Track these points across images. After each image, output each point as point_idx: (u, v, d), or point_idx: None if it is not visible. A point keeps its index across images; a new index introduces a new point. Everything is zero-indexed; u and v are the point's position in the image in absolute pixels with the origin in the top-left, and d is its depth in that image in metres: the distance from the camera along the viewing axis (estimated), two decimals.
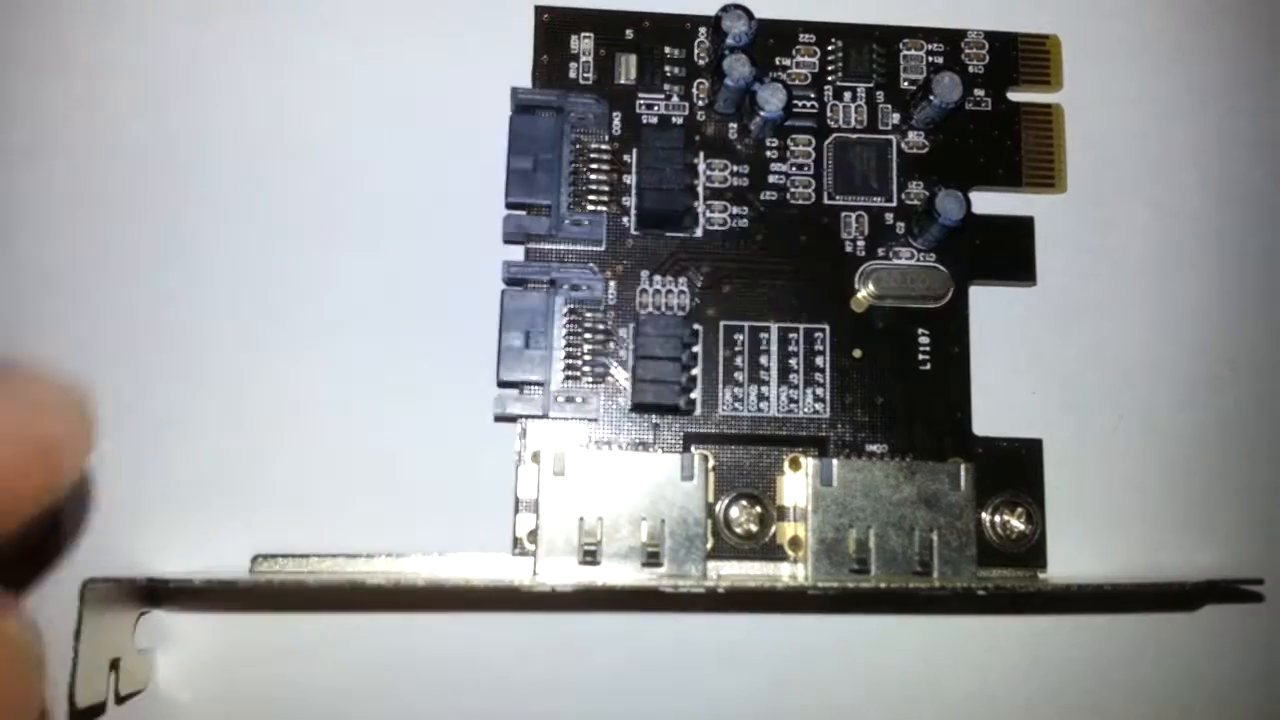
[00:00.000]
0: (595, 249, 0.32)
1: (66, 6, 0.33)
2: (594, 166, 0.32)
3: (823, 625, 0.32)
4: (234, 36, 0.33)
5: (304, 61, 0.33)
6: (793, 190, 0.33)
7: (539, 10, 0.33)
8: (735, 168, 0.33)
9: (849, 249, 0.33)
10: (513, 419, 0.31)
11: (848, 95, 0.34)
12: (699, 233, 0.32)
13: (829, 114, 0.33)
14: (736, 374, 0.32)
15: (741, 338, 0.32)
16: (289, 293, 0.32)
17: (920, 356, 0.32)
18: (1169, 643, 0.33)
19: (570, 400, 0.31)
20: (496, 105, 0.32)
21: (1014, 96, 0.34)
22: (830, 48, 0.34)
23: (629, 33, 0.33)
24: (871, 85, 0.34)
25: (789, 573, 0.31)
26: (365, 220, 0.32)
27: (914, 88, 0.33)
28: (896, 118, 0.33)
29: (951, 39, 0.34)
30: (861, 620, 0.32)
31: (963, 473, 0.30)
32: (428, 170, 0.33)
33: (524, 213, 0.32)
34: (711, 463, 0.31)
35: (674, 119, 0.33)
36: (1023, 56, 0.34)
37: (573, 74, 0.33)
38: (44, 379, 0.22)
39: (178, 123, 0.32)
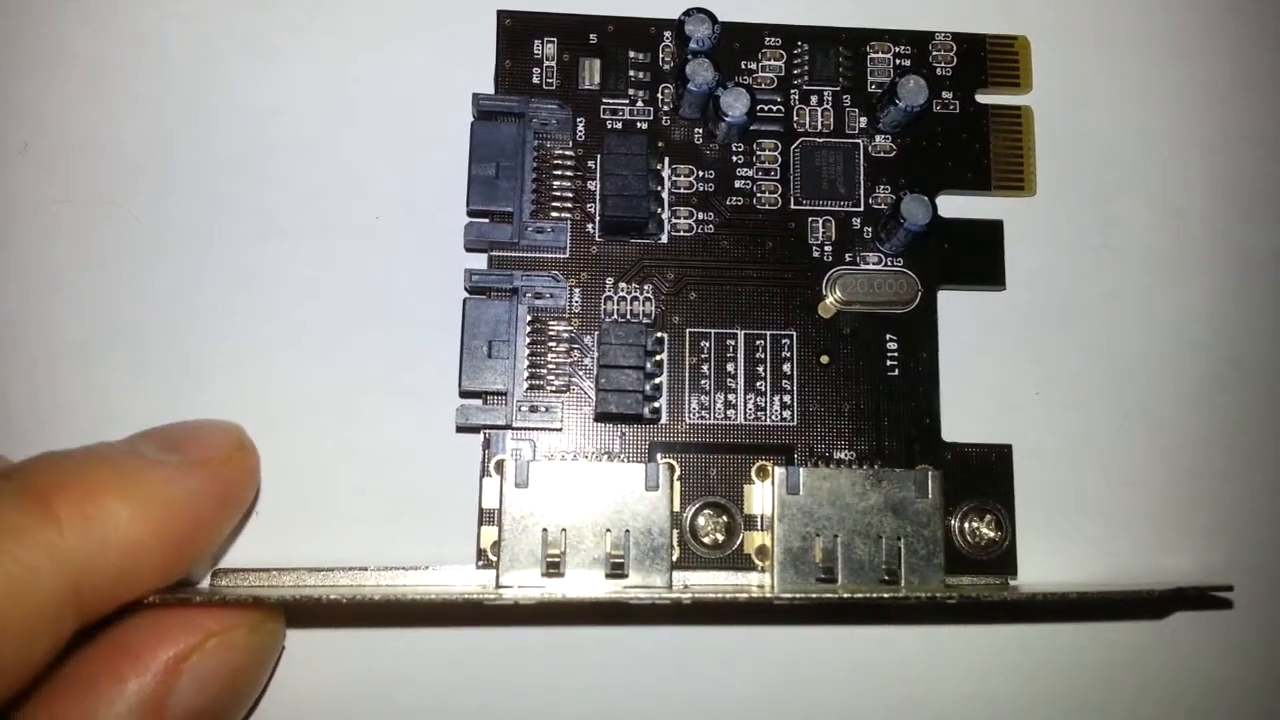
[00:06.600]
0: (559, 256, 0.31)
1: (65, 6, 0.32)
2: (557, 173, 0.32)
3: (790, 635, 0.32)
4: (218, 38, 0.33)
5: (261, 63, 0.33)
6: (759, 195, 0.32)
7: (501, 15, 0.33)
8: (701, 173, 0.32)
9: (816, 254, 0.32)
10: (475, 429, 0.30)
11: (814, 99, 0.33)
12: (664, 239, 0.32)
13: (795, 118, 0.33)
14: (703, 381, 0.31)
15: (708, 345, 0.32)
16: (243, 300, 0.31)
17: (889, 362, 0.32)
18: (1139, 648, 0.32)
19: (534, 410, 0.30)
20: (458, 111, 0.32)
21: (983, 99, 0.34)
22: (796, 51, 0.33)
23: (592, 37, 0.33)
24: (838, 88, 0.33)
25: (756, 582, 0.30)
26: (324, 228, 0.32)
27: (881, 91, 0.33)
28: (864, 121, 0.33)
29: (919, 41, 0.34)
30: (829, 630, 0.32)
31: (930, 480, 0.30)
32: (387, 178, 0.32)
33: (486, 220, 0.31)
34: (678, 471, 0.30)
35: (638, 124, 0.32)
36: (991, 58, 0.34)
37: (536, 79, 0.32)
38: (209, 430, 0.26)
39: (175, 122, 0.32)
